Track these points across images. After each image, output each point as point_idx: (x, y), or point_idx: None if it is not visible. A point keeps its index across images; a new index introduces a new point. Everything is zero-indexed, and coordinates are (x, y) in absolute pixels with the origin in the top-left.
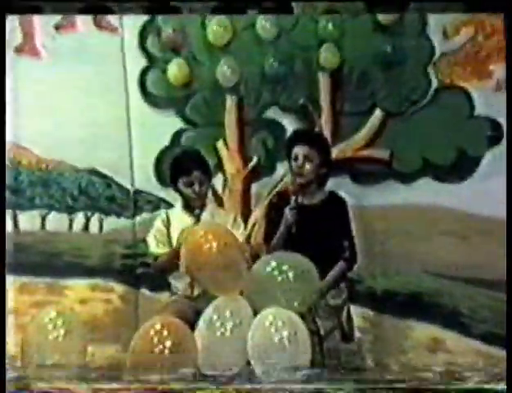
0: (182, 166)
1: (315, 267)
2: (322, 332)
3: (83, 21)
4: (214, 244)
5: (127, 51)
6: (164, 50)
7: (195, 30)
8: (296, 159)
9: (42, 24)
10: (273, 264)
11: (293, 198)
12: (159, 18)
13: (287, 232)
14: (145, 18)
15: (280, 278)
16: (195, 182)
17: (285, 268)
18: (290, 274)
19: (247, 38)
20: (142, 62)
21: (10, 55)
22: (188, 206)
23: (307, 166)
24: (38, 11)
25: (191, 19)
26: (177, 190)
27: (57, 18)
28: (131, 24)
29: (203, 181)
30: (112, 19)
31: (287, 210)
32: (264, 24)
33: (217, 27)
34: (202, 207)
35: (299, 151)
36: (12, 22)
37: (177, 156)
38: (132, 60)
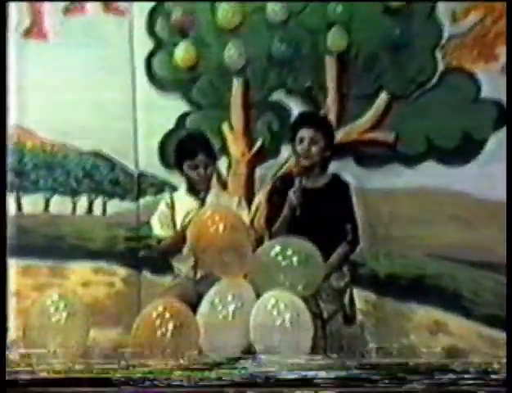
0: (187, 149)
1: (318, 250)
2: (325, 315)
3: (92, 4)
4: (221, 226)
5: (134, 34)
6: (172, 33)
7: (203, 13)
8: (302, 141)
9: (50, 7)
10: (277, 248)
11: (297, 180)
12: (168, 1)
13: (291, 214)
14: (154, 1)
15: (284, 263)
16: (199, 165)
17: (289, 252)
18: (294, 259)
19: (256, 21)
20: (150, 45)
21: (17, 38)
22: (192, 189)
23: (313, 149)
24: None
25: (200, 2)
26: (182, 173)
27: (66, 2)
28: (139, 7)
29: (207, 164)
30: (121, 2)
31: (291, 193)
32: (274, 7)
33: (226, 10)
34: (206, 190)
35: (305, 133)
36: (20, 6)
37: (182, 139)
38: (140, 43)
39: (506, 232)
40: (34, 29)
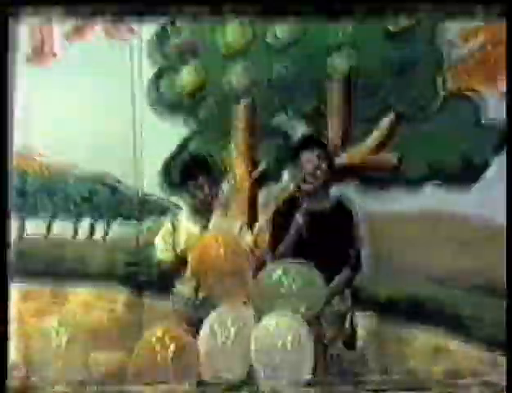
0: (189, 171)
1: (321, 274)
2: (326, 339)
3: (94, 30)
4: (222, 250)
5: (137, 58)
6: (175, 57)
7: (207, 38)
8: (305, 165)
9: (53, 33)
10: (279, 272)
11: (303, 203)
12: (171, 26)
13: (296, 236)
14: (156, 26)
15: (286, 286)
16: (201, 187)
17: (291, 276)
18: (296, 283)
19: (259, 45)
20: (153, 69)
21: (20, 63)
22: (195, 212)
23: (317, 171)
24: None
25: (204, 26)
26: (184, 195)
27: (68, 27)
28: (143, 31)
29: (210, 186)
30: (123, 27)
31: (298, 215)
32: (276, 31)
33: (230, 34)
34: (208, 212)
35: (308, 156)
36: (24, 31)
37: (185, 162)
38: (143, 68)
39: (506, 256)
40: (38, 55)
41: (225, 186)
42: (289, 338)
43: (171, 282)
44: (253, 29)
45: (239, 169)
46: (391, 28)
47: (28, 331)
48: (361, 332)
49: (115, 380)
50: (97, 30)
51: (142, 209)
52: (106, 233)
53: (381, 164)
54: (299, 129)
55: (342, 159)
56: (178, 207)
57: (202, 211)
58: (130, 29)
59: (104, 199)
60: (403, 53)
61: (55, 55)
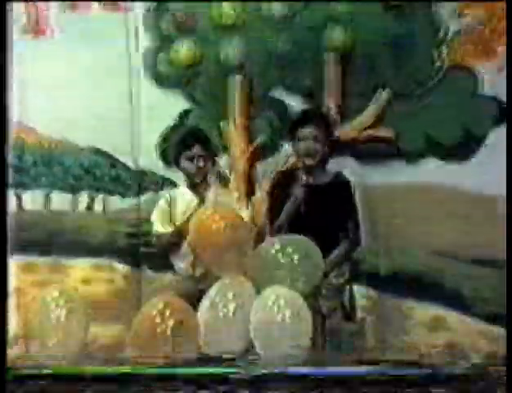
0: (184, 142)
1: (319, 248)
2: (325, 312)
3: (91, 4)
4: (221, 224)
5: (135, 31)
6: (173, 30)
7: (204, 11)
8: (304, 139)
9: (52, 4)
10: (277, 246)
11: (302, 176)
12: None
13: (295, 210)
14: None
15: (284, 260)
16: (196, 157)
17: (289, 250)
18: (295, 257)
19: (257, 18)
20: (150, 42)
21: (17, 35)
22: (192, 186)
23: (316, 146)
24: None
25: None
26: (180, 167)
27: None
28: (141, 5)
29: (204, 156)
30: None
31: (296, 188)
32: (275, 4)
33: (227, 8)
34: (206, 186)
35: (307, 131)
36: (21, 3)
37: (182, 134)
38: (141, 41)
39: (506, 229)
40: (35, 27)
41: (222, 159)
42: (288, 311)
43: (170, 256)
44: (250, 3)
45: (236, 143)
46: (390, 1)
47: (27, 303)
48: (360, 304)
49: (114, 352)
50: (94, 4)
51: (140, 182)
52: (105, 206)
53: (379, 138)
54: (296, 103)
55: (339, 133)
56: (175, 183)
57: (199, 184)
58: (127, 2)
59: (103, 171)
60: (401, 27)
61: (51, 28)
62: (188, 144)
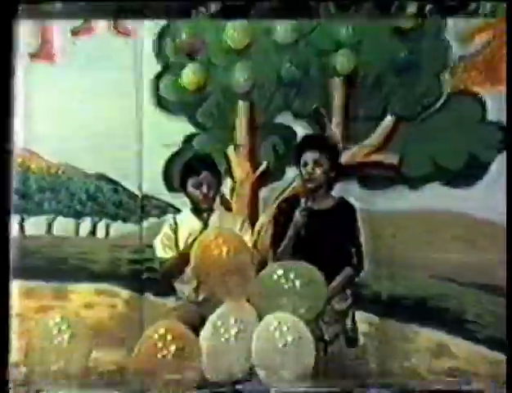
0: (191, 167)
1: (322, 273)
2: (327, 337)
3: (100, 26)
4: (224, 249)
5: (142, 56)
6: (180, 55)
7: (211, 35)
8: (306, 164)
9: (58, 28)
10: (280, 271)
11: (303, 201)
12: (176, 23)
13: (296, 235)
14: (161, 23)
15: (286, 286)
16: (203, 183)
17: (291, 275)
18: (297, 282)
19: (263, 42)
20: (157, 67)
21: (25, 60)
22: (196, 210)
23: (317, 171)
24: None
25: (208, 24)
26: (186, 193)
27: (74, 23)
28: (147, 29)
29: (211, 183)
30: (129, 24)
31: (297, 213)
32: (282, 28)
33: (234, 32)
34: (210, 211)
35: (309, 156)
36: (29, 27)
37: (187, 159)
38: (147, 65)
39: (506, 255)
40: (42, 51)
41: (226, 184)
42: (290, 337)
43: (173, 281)
44: (257, 27)
45: (241, 168)
46: (397, 26)
47: (29, 328)
48: (362, 329)
49: (116, 377)
50: (101, 27)
51: (144, 208)
52: (108, 232)
53: (383, 163)
54: (302, 128)
55: (344, 158)
56: (178, 208)
57: (203, 209)
58: (134, 26)
59: (106, 197)
60: (407, 52)
61: (58, 52)
62: (195, 170)
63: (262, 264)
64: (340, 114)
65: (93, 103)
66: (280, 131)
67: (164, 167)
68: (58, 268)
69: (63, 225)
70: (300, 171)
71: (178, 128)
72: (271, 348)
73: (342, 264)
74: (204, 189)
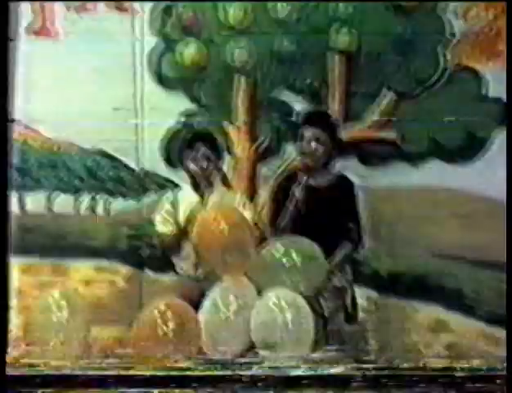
0: (189, 142)
1: (321, 249)
2: (326, 313)
3: (100, 4)
4: (224, 225)
5: (142, 32)
6: (178, 32)
7: (210, 12)
8: (306, 140)
9: (58, 5)
10: (280, 247)
11: (301, 177)
12: (176, 1)
13: (295, 210)
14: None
15: (286, 262)
16: (201, 157)
17: (292, 252)
18: (297, 259)
19: (261, 19)
20: (156, 44)
21: (24, 36)
22: (196, 186)
23: (317, 147)
24: None
25: (207, 1)
26: (185, 168)
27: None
28: (148, 6)
29: (209, 157)
30: (130, 1)
31: (294, 188)
32: (279, 5)
33: (232, 8)
34: (209, 186)
35: (310, 132)
36: (27, 3)
37: (186, 134)
38: (146, 42)
39: (506, 231)
40: (40, 27)
41: (225, 160)
42: (289, 314)
43: (172, 257)
44: (254, 3)
45: (239, 144)
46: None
47: (28, 305)
48: (361, 306)
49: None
50: (99, 5)
51: (144, 184)
52: (107, 208)
53: (382, 140)
54: (300, 104)
55: (343, 134)
56: (178, 184)
57: (202, 184)
58: (133, 4)
59: (105, 173)
60: (405, 28)
61: (56, 29)
62: (193, 144)
63: (261, 241)
64: (339, 90)
65: (92, 80)
66: (278, 107)
67: (163, 143)
68: (57, 244)
69: (62, 202)
70: (300, 147)
71: (177, 105)
72: (270, 324)
73: (341, 240)
74: (202, 163)
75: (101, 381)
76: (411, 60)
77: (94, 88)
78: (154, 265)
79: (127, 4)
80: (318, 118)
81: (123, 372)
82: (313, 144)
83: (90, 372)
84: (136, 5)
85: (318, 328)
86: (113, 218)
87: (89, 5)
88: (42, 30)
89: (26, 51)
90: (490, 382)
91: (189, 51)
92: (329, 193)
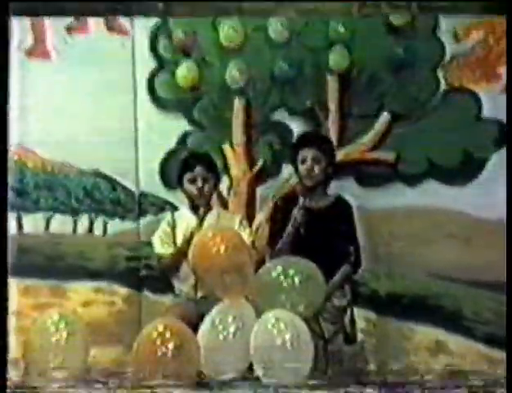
0: (187, 163)
1: (320, 271)
2: (327, 335)
3: (95, 24)
4: (222, 247)
5: (137, 53)
6: (174, 52)
7: (205, 33)
8: (304, 161)
9: (53, 26)
10: (279, 268)
11: (301, 199)
12: (170, 21)
13: (295, 233)
14: (156, 20)
15: (285, 283)
16: (198, 178)
17: (291, 272)
18: (296, 279)
19: (257, 40)
20: (152, 65)
21: (20, 57)
22: (194, 207)
23: (316, 168)
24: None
25: (202, 21)
26: (183, 189)
27: (68, 20)
28: (142, 26)
29: (207, 178)
30: (123, 21)
31: (295, 211)
32: (275, 26)
33: (228, 29)
34: (207, 208)
35: (307, 153)
36: (23, 24)
37: (184, 156)
38: (142, 63)
39: (506, 252)
40: (37, 48)
41: (223, 181)
42: (288, 336)
43: (171, 278)
44: (252, 24)
45: (237, 166)
46: (392, 22)
47: (27, 326)
48: (360, 327)
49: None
50: (95, 26)
51: (141, 205)
52: (106, 229)
53: (379, 161)
54: (298, 125)
55: (340, 155)
56: (176, 205)
57: (200, 206)
58: (127, 24)
59: (104, 195)
60: (402, 49)
61: (52, 50)
62: (191, 165)
63: (260, 262)
64: (336, 111)
65: (89, 101)
66: (276, 128)
67: (161, 164)
68: (56, 265)
69: (60, 223)
70: (297, 169)
71: (174, 126)
72: (269, 345)
73: (340, 262)
74: (199, 184)
75: None
76: (408, 82)
77: (90, 110)
78: (153, 287)
79: (121, 26)
80: (314, 139)
81: None
82: (312, 165)
83: None
84: (131, 26)
85: (318, 349)
86: (110, 239)
87: (83, 27)
88: (36, 52)
89: (21, 72)
90: None
91: (184, 72)
92: (328, 215)
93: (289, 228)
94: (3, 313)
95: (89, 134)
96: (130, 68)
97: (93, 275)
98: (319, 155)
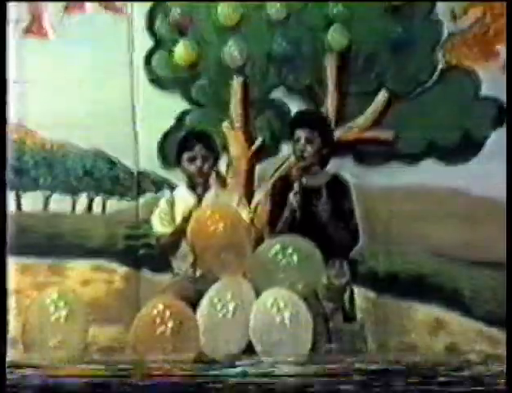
0: (186, 142)
1: (318, 249)
2: (327, 313)
3: (92, 2)
4: (221, 225)
5: (134, 32)
6: (172, 31)
7: (203, 12)
8: (298, 141)
9: (50, 4)
10: (277, 247)
11: (296, 183)
12: (168, 0)
13: (291, 216)
14: (153, 0)
15: (284, 261)
16: (197, 157)
17: (289, 251)
18: (294, 258)
19: (256, 19)
20: (149, 43)
21: (17, 36)
22: (192, 186)
23: (309, 148)
24: None
25: (200, 0)
26: (182, 168)
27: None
28: (139, 5)
29: (205, 156)
30: (121, 1)
31: (291, 196)
32: (274, 4)
33: (226, 8)
34: (206, 187)
35: (300, 133)
36: (20, 3)
37: (182, 134)
38: (140, 42)
39: (506, 230)
40: (34, 27)
41: (222, 160)
42: (287, 313)
43: (169, 256)
44: (249, 3)
45: (236, 144)
46: (391, 1)
47: (26, 305)
48: (359, 305)
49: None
50: (94, 5)
51: (140, 183)
52: (105, 208)
53: (378, 140)
54: (296, 104)
55: (339, 134)
56: (174, 184)
57: (199, 184)
58: (124, 3)
59: (102, 173)
60: (400, 27)
61: (50, 29)
62: (190, 144)
63: (258, 241)
64: (334, 90)
65: (88, 79)
66: (274, 107)
67: (159, 143)
68: (54, 244)
69: (59, 201)
70: (293, 148)
71: (172, 105)
72: (268, 324)
73: (338, 239)
74: (199, 163)
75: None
76: (406, 60)
77: (89, 89)
78: (151, 265)
79: (120, 4)
80: (307, 119)
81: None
82: (305, 145)
83: (89, 374)
84: (128, 5)
85: (318, 328)
86: (109, 218)
87: (81, 6)
88: (36, 31)
89: (19, 50)
90: (489, 383)
91: (182, 51)
92: (323, 194)
93: (285, 213)
94: (2, 293)
95: (87, 113)
96: (127, 47)
97: (92, 253)
98: (313, 134)
